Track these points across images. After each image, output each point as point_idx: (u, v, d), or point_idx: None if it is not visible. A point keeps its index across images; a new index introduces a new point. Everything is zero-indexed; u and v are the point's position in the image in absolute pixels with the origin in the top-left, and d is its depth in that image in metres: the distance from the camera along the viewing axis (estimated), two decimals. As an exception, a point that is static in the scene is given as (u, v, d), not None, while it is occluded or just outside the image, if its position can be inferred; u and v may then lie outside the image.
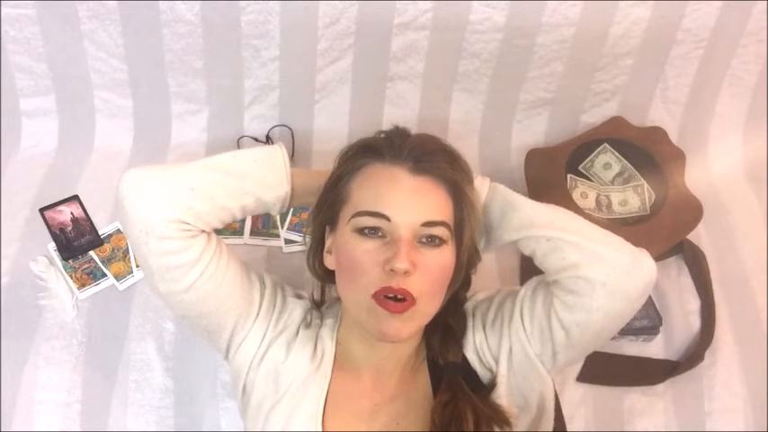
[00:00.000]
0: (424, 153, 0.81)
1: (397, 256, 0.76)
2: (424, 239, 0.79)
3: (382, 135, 0.86)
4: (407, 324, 0.80)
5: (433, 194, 0.80)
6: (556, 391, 1.00)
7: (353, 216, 0.80)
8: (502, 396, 0.84)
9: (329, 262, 0.86)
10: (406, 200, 0.79)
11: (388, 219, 0.78)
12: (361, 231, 0.79)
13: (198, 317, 0.85)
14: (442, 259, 0.80)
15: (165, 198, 0.79)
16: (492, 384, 0.85)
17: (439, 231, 0.79)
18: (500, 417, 0.82)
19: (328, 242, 0.86)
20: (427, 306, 0.81)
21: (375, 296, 0.78)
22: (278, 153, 0.87)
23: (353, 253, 0.79)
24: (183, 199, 0.80)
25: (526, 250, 0.86)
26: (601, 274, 0.79)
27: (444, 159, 0.82)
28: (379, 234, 0.79)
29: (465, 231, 0.83)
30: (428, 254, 0.79)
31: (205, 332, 0.88)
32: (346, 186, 0.83)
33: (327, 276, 0.90)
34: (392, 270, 0.76)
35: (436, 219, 0.79)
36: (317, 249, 0.89)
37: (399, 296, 0.77)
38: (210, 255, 0.81)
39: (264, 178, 0.85)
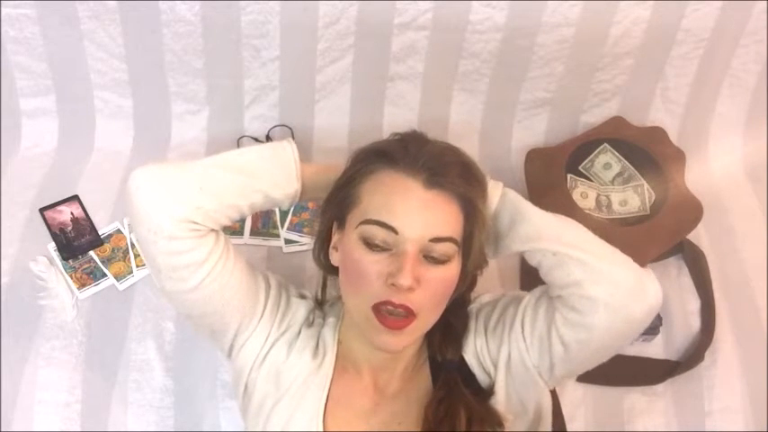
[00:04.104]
0: (439, 166, 0.79)
1: (401, 272, 0.75)
2: (429, 256, 0.78)
3: (398, 137, 0.84)
4: (405, 338, 0.80)
5: (443, 208, 0.79)
6: (556, 392, 1.00)
7: (362, 223, 0.79)
8: (500, 402, 0.84)
9: (335, 258, 0.86)
10: (416, 213, 0.77)
11: (395, 231, 0.77)
12: (367, 242, 0.78)
13: (203, 316, 0.85)
14: (447, 275, 0.80)
15: (173, 198, 0.79)
16: (491, 391, 0.85)
17: (446, 248, 0.78)
18: (493, 418, 0.82)
19: (335, 239, 0.86)
20: (427, 319, 0.81)
21: (374, 308, 0.78)
22: (287, 150, 0.87)
23: (358, 262, 0.78)
24: (192, 198, 0.79)
25: (532, 261, 0.85)
26: (604, 293, 0.78)
27: (459, 174, 0.79)
28: (385, 246, 0.78)
29: (473, 245, 0.82)
30: (433, 269, 0.78)
31: (209, 331, 0.88)
32: (357, 189, 0.81)
33: (331, 270, 0.89)
34: (394, 285, 0.76)
35: (444, 235, 0.78)
36: (323, 242, 0.88)
37: (399, 311, 0.77)
38: (218, 255, 0.81)
39: (274, 176, 0.85)
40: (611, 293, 0.78)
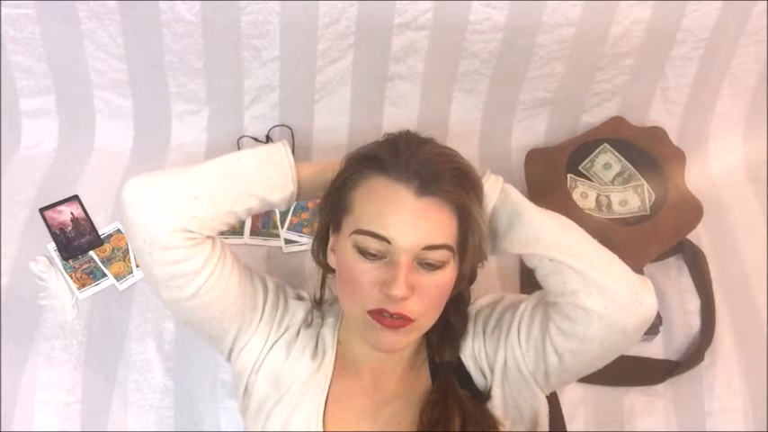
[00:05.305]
0: (431, 173, 0.77)
1: (394, 282, 0.75)
2: (424, 263, 0.77)
3: (390, 139, 0.82)
4: (404, 338, 0.80)
5: (436, 216, 0.77)
6: (556, 392, 1.00)
7: (354, 232, 0.78)
8: (496, 407, 0.84)
9: (331, 260, 0.86)
10: (409, 222, 0.76)
11: (388, 242, 0.76)
12: (361, 251, 0.78)
13: (202, 323, 0.85)
14: (442, 280, 0.79)
15: (168, 208, 0.78)
16: (487, 394, 0.85)
17: (440, 255, 0.77)
18: (488, 420, 0.82)
19: (332, 240, 0.85)
20: (425, 322, 0.81)
21: (370, 313, 0.78)
22: (281, 153, 0.86)
23: (353, 270, 0.78)
24: (188, 208, 0.79)
25: (529, 264, 0.84)
26: (599, 305, 0.77)
27: (452, 181, 0.78)
28: (379, 255, 0.77)
29: (468, 247, 0.81)
30: (428, 276, 0.78)
31: (208, 336, 0.88)
32: (349, 195, 0.80)
33: (330, 268, 0.89)
34: (388, 295, 0.75)
35: (438, 242, 0.77)
36: (321, 240, 0.88)
37: (395, 316, 0.77)
38: (215, 262, 0.81)
39: (269, 180, 0.84)
40: (606, 306, 0.77)
